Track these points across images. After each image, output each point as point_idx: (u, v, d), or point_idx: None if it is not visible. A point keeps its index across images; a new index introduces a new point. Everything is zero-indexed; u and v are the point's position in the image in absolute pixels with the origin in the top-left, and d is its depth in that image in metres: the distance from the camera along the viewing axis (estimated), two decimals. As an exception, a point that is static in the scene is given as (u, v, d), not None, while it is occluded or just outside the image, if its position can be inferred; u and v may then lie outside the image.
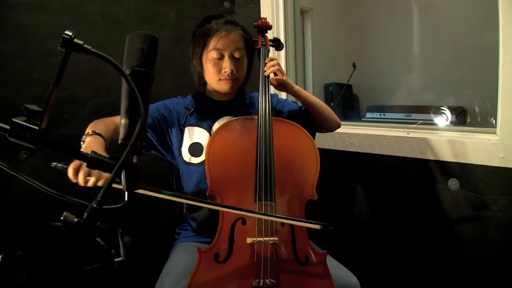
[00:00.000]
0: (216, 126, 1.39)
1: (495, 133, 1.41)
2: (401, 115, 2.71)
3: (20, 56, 1.57)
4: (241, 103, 1.46)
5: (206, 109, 1.44)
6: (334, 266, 1.28)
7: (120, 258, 1.85)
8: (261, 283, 1.10)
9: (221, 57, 1.32)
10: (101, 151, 1.06)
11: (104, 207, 0.73)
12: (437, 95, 2.79)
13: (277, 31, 2.06)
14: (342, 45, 3.40)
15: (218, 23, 1.33)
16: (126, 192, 0.80)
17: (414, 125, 1.72)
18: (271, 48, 1.53)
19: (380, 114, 2.87)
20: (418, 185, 1.61)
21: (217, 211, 1.22)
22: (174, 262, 1.33)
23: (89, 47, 0.75)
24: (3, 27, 1.54)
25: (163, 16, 1.93)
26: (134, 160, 0.79)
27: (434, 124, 2.12)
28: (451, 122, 2.17)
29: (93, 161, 0.78)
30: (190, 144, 1.39)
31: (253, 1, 2.08)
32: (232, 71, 1.33)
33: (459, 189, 1.48)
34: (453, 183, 1.49)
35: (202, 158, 1.36)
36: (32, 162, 1.62)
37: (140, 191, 0.94)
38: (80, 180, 0.95)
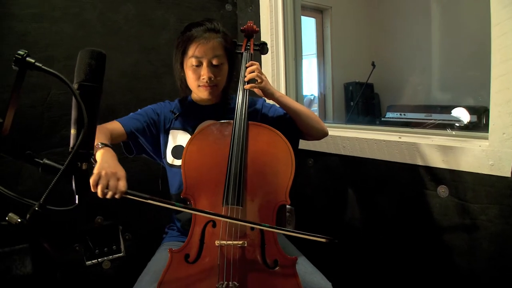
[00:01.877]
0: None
1: (487, 138, 1.39)
2: (421, 115, 2.69)
3: (23, 63, 1.73)
4: (224, 107, 1.54)
5: (190, 113, 1.53)
6: (309, 272, 1.34)
7: (121, 254, 2.00)
8: (224, 285, 1.16)
9: (199, 64, 1.41)
10: (115, 160, 1.17)
11: (49, 207, 0.83)
12: (458, 94, 2.73)
13: (276, 33, 2.11)
14: (363, 43, 3.41)
15: (198, 31, 1.41)
16: (77, 196, 0.90)
17: (406, 129, 1.71)
18: (256, 52, 1.58)
19: (400, 114, 2.85)
20: (407, 191, 1.61)
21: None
22: (156, 260, 1.43)
23: (40, 65, 0.84)
24: (9, 36, 1.70)
25: (163, 21, 2.04)
26: (84, 167, 0.89)
27: (453, 125, 2.07)
28: (470, 122, 2.11)
29: (45, 167, 0.88)
30: (174, 147, 1.49)
31: (253, 4, 2.14)
32: (210, 78, 1.40)
33: (448, 197, 1.48)
34: (442, 190, 1.49)
35: (183, 160, 1.45)
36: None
37: (130, 196, 1.09)
38: (99, 192, 1.06)
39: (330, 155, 1.88)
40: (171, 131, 1.51)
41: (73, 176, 0.88)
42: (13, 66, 0.85)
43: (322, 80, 3.36)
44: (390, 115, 2.87)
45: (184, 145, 1.45)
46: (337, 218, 1.90)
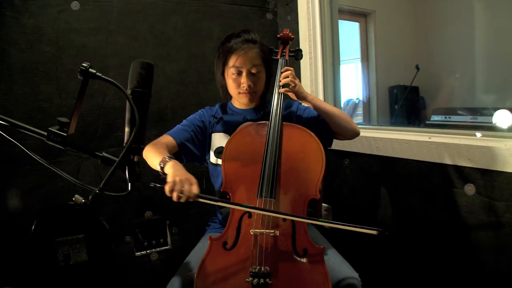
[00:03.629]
0: (237, 131, 1.66)
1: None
2: (467, 118, 2.72)
3: (84, 72, 2.00)
4: (262, 110, 1.70)
5: (230, 117, 1.71)
6: (337, 262, 1.47)
7: (167, 247, 2.22)
8: (257, 269, 1.32)
9: (239, 74, 1.57)
10: (184, 169, 1.33)
11: (106, 193, 1.04)
12: (503, 96, 2.74)
13: (314, 39, 2.26)
14: (407, 46, 3.45)
15: (237, 42, 1.58)
16: (129, 183, 1.11)
17: (435, 129, 1.81)
18: (292, 58, 1.75)
19: (445, 117, 2.89)
20: (436, 189, 1.71)
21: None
22: (198, 248, 1.62)
23: (100, 74, 1.06)
24: (70, 48, 1.98)
25: (208, 31, 2.26)
26: (135, 159, 1.10)
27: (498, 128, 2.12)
28: None
29: (104, 159, 1.10)
30: (216, 148, 1.67)
31: (293, 12, 2.31)
32: (249, 86, 1.57)
33: (475, 195, 1.56)
34: (469, 189, 1.58)
35: (225, 160, 1.64)
36: (92, 160, 2.03)
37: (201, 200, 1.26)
38: (174, 197, 1.23)
39: (364, 155, 2.01)
40: (213, 134, 1.69)
41: (127, 167, 1.10)
42: (78, 76, 1.06)
43: (366, 84, 3.45)
44: (435, 118, 2.92)
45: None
46: (370, 215, 2.02)
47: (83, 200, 1.01)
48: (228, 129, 1.69)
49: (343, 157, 2.11)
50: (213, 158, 1.68)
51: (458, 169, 1.62)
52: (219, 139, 1.69)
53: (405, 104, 3.24)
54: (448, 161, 1.65)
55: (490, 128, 1.89)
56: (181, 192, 1.23)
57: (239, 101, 1.67)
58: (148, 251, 2.16)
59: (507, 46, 2.67)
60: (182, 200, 1.24)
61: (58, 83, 1.94)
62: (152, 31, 2.14)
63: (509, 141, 1.48)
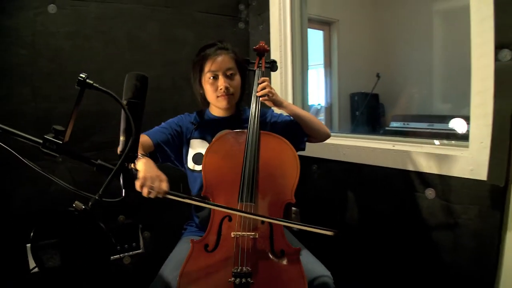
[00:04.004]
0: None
1: (467, 147, 1.64)
2: (424, 125, 2.92)
3: (59, 76, 2.01)
4: (238, 118, 1.79)
5: (208, 124, 1.79)
6: (311, 262, 1.58)
7: (140, 251, 2.27)
8: (239, 270, 1.41)
9: (216, 77, 1.67)
10: (156, 167, 1.41)
11: (104, 199, 1.09)
12: (458, 104, 2.96)
13: (285, 49, 2.38)
14: (368, 55, 3.66)
15: (211, 50, 1.68)
16: (124, 190, 1.17)
17: (399, 138, 1.98)
18: (267, 69, 1.85)
19: (404, 124, 3.09)
20: (399, 193, 1.87)
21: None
22: (177, 251, 1.69)
23: (97, 85, 1.11)
24: (46, 52, 1.98)
25: (183, 38, 2.32)
26: (130, 167, 1.17)
27: (455, 134, 2.26)
28: (468, 131, 2.32)
29: (100, 167, 1.15)
30: (194, 154, 1.75)
31: (264, 22, 2.42)
32: (226, 88, 1.67)
33: (435, 198, 1.73)
34: (430, 193, 1.74)
35: (202, 165, 1.72)
36: (67, 165, 2.05)
37: (170, 196, 1.32)
38: (145, 192, 1.29)
39: (332, 161, 2.15)
40: (191, 140, 1.77)
41: (121, 174, 1.16)
42: (76, 86, 1.11)
43: (328, 90, 3.61)
44: (394, 124, 3.11)
45: (203, 152, 1.71)
46: (336, 218, 2.16)
47: (83, 206, 1.06)
48: (206, 135, 1.77)
49: (311, 163, 2.23)
50: (190, 164, 1.75)
51: (419, 175, 1.78)
52: (197, 145, 1.76)
53: (366, 110, 3.44)
54: (410, 167, 1.81)
55: (447, 135, 2.07)
56: (151, 188, 1.30)
57: (218, 105, 1.75)
58: (121, 255, 2.19)
59: (462, 57, 2.88)
60: (152, 196, 1.30)
61: (33, 86, 1.95)
62: (128, 37, 2.18)
63: (465, 150, 1.64)
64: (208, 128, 1.78)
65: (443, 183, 1.70)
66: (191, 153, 1.76)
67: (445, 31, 3.12)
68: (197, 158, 1.74)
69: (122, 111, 1.16)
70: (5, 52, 1.89)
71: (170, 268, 1.56)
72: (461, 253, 1.67)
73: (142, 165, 1.38)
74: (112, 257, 2.17)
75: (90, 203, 1.06)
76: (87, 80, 1.10)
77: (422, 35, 3.27)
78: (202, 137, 1.77)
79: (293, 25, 2.35)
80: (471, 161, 1.60)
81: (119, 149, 1.16)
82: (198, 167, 1.73)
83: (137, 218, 2.25)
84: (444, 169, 1.69)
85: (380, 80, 3.27)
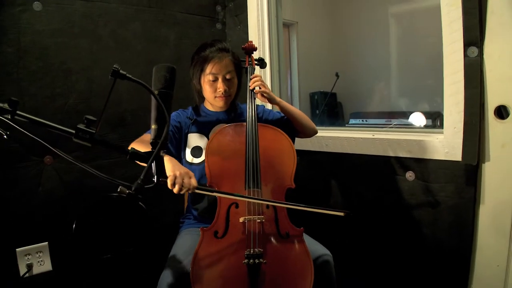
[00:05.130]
0: (212, 132, 1.83)
1: (442, 132, 1.86)
2: (382, 121, 3.14)
3: (45, 75, 2.00)
4: (233, 113, 1.90)
5: (204, 119, 1.87)
6: (311, 243, 1.70)
7: (131, 249, 2.28)
8: (251, 251, 1.50)
9: (215, 79, 1.76)
10: (179, 163, 1.48)
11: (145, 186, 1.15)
12: (415, 100, 3.24)
13: (263, 49, 2.51)
14: (327, 55, 3.85)
15: (212, 51, 1.76)
16: (156, 176, 1.23)
17: (378, 128, 2.18)
18: (257, 67, 1.97)
19: (362, 120, 3.28)
20: (381, 178, 2.06)
21: (215, 201, 1.63)
22: (180, 243, 1.74)
23: (130, 76, 1.17)
24: (32, 50, 1.97)
25: (165, 38, 2.38)
26: (161, 154, 1.24)
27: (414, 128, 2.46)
28: (426, 126, 2.50)
29: (133, 155, 1.21)
30: (192, 148, 1.82)
31: (242, 23, 2.54)
32: (225, 90, 1.77)
33: (415, 180, 1.93)
34: (410, 175, 1.94)
35: (201, 158, 1.79)
36: (54, 165, 2.04)
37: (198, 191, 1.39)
38: (176, 189, 1.36)
39: (315, 152, 2.31)
40: (189, 135, 1.84)
41: (155, 161, 1.23)
42: (109, 77, 1.17)
43: (289, 89, 3.77)
44: (352, 121, 3.30)
45: (202, 146, 1.81)
46: (322, 206, 2.31)
47: (127, 191, 1.12)
48: (203, 130, 1.85)
49: (294, 155, 2.37)
50: (189, 157, 1.82)
51: (399, 159, 1.98)
52: (195, 139, 1.84)
53: (325, 109, 3.63)
54: (391, 153, 2.00)
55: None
56: (182, 184, 1.38)
57: (215, 105, 1.84)
58: (111, 255, 2.19)
59: (416, 57, 3.16)
60: (183, 192, 1.38)
61: (20, 85, 1.92)
62: (113, 36, 2.20)
63: (440, 135, 1.85)
64: (204, 122, 1.87)
65: (422, 165, 1.91)
66: (189, 146, 1.83)
67: (400, 32, 3.39)
68: (196, 152, 1.82)
69: (153, 101, 1.23)
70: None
71: (177, 260, 1.61)
72: (440, 227, 1.87)
73: (169, 163, 1.46)
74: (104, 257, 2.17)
75: (133, 187, 1.12)
76: (121, 71, 1.16)
77: (379, 36, 3.51)
78: (200, 131, 1.85)
79: (271, 26, 2.49)
80: (446, 144, 1.81)
81: (152, 136, 1.22)
82: (196, 160, 1.81)
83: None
84: (422, 153, 1.90)
85: (338, 79, 3.46)
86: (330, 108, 3.68)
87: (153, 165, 1.22)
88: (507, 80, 1.64)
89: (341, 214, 1.51)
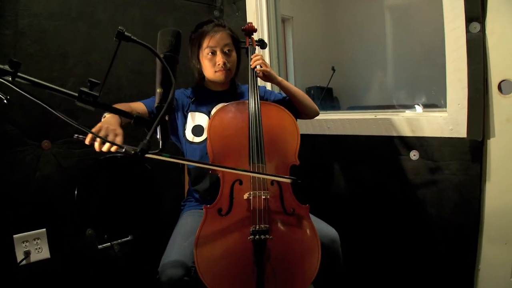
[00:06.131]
0: (214, 111, 1.79)
1: (445, 111, 1.84)
2: (379, 115, 3.15)
3: (43, 58, 1.97)
4: (234, 92, 1.87)
5: (205, 98, 1.84)
6: (317, 221, 1.67)
7: (129, 238, 2.23)
8: (257, 228, 1.46)
9: (214, 53, 1.74)
10: (117, 123, 1.36)
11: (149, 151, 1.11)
12: (411, 93, 3.22)
13: (262, 34, 2.49)
14: (322, 50, 3.85)
15: (208, 27, 1.75)
16: (161, 142, 1.19)
17: (381, 110, 2.16)
18: (257, 47, 1.95)
19: (359, 114, 3.30)
20: (385, 158, 2.03)
21: (217, 181, 1.60)
22: (183, 224, 1.70)
23: (135, 38, 1.14)
24: (30, 33, 1.93)
25: (163, 24, 2.36)
26: (166, 118, 1.20)
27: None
28: None
29: (137, 119, 1.17)
30: (193, 126, 1.78)
31: (240, 10, 2.53)
32: (224, 63, 1.74)
33: (419, 159, 1.90)
34: (414, 154, 1.92)
35: (203, 137, 1.76)
36: (53, 150, 1.99)
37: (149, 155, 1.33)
38: (96, 146, 1.22)
39: (316, 136, 2.28)
40: (189, 114, 1.80)
41: (159, 126, 1.19)
42: (114, 39, 1.13)
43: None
44: (350, 116, 3.32)
45: (203, 124, 1.77)
46: (324, 189, 2.28)
47: (133, 151, 1.08)
48: (204, 108, 1.82)
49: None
50: (189, 136, 1.78)
51: (402, 139, 1.95)
52: (195, 118, 1.81)
53: (322, 103, 3.61)
54: (394, 133, 1.98)
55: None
56: (103, 142, 1.23)
57: (215, 80, 1.80)
58: (111, 243, 2.14)
59: (412, 49, 3.16)
60: (104, 149, 1.23)
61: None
62: (111, 21, 2.18)
63: (443, 112, 1.84)
64: (205, 101, 1.83)
65: (426, 144, 1.88)
66: (189, 126, 1.79)
67: (396, 25, 3.40)
68: (197, 130, 1.78)
69: (158, 65, 1.20)
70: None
71: (180, 240, 1.57)
72: (446, 206, 1.84)
73: (104, 119, 1.38)
74: (101, 246, 2.11)
75: (139, 147, 1.08)
76: (125, 33, 1.13)
77: (374, 30, 3.51)
78: (200, 110, 1.82)
79: (269, 11, 2.48)
80: (450, 121, 1.79)
81: (156, 100, 1.19)
82: (198, 139, 1.77)
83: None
84: (426, 131, 1.88)
85: (335, 73, 3.45)
86: (326, 103, 3.67)
87: (158, 130, 1.19)
88: (510, 55, 1.63)
89: (288, 181, 1.52)
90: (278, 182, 1.59)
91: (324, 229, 1.63)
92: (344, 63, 3.63)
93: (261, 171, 1.56)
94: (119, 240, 2.17)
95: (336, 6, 3.91)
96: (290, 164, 1.65)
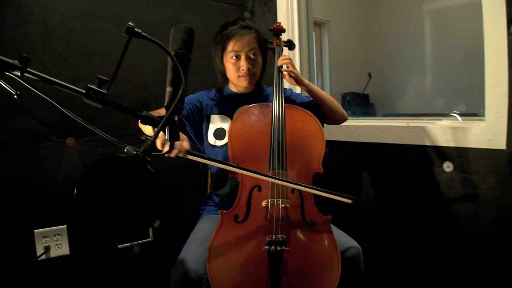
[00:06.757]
0: (237, 113, 1.72)
1: (483, 120, 1.69)
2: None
3: (70, 56, 1.96)
4: (258, 95, 1.79)
5: (228, 100, 1.77)
6: (339, 233, 1.56)
7: (149, 239, 2.19)
8: (273, 238, 1.38)
9: (238, 58, 1.66)
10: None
11: (153, 153, 1.05)
12: (451, 101, 3.06)
13: (292, 36, 2.40)
14: (359, 55, 3.74)
15: (234, 29, 1.67)
16: (169, 143, 1.13)
17: (413, 117, 2.02)
18: (285, 49, 1.87)
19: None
20: (416, 168, 1.89)
21: (237, 186, 1.52)
22: (199, 229, 1.64)
23: (145, 34, 1.08)
24: (58, 31, 1.93)
25: (192, 25, 2.30)
26: (175, 118, 1.13)
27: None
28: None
29: (145, 118, 1.11)
30: (215, 129, 1.72)
31: (271, 12, 2.45)
32: (248, 69, 1.66)
33: (453, 171, 1.76)
34: (448, 166, 1.77)
35: (225, 140, 1.68)
36: (77, 148, 1.98)
37: (190, 156, 1.30)
38: (165, 149, 1.25)
39: (344, 143, 2.17)
40: (212, 116, 1.74)
41: (168, 126, 1.12)
42: (124, 35, 1.08)
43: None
44: (386, 123, 3.18)
45: (225, 127, 1.70)
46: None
47: (135, 152, 1.02)
48: (227, 111, 1.75)
49: (323, 146, 2.24)
50: (211, 139, 1.72)
51: (436, 149, 1.81)
52: (218, 121, 1.74)
53: (357, 110, 3.48)
54: (426, 142, 1.84)
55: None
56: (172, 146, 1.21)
57: (239, 85, 1.74)
58: (131, 243, 2.11)
59: (452, 56, 2.99)
60: (173, 154, 1.27)
61: (44, 66, 1.88)
62: (138, 21, 2.13)
63: (481, 122, 1.69)
64: (228, 103, 1.76)
65: (461, 155, 1.74)
66: (211, 128, 1.73)
67: (435, 29, 3.23)
68: (219, 133, 1.71)
69: (169, 63, 1.14)
70: (17, 31, 1.82)
71: (194, 246, 1.50)
72: (481, 223, 1.70)
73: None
74: (121, 246, 2.09)
75: (142, 148, 1.02)
76: (136, 29, 1.07)
77: (413, 34, 3.37)
78: (223, 113, 1.75)
79: (300, 13, 2.39)
80: (488, 131, 1.65)
81: (166, 99, 1.13)
82: (220, 142, 1.70)
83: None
84: (461, 142, 1.73)
85: (371, 79, 3.33)
86: (362, 110, 3.54)
87: (167, 130, 1.12)
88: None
89: (348, 201, 1.41)
90: (299, 190, 1.49)
91: (346, 242, 1.52)
92: (381, 69, 3.50)
93: (280, 178, 1.47)
94: (140, 241, 2.14)
95: (373, 10, 3.78)
96: (314, 172, 1.55)
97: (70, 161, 1.95)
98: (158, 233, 2.21)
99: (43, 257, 1.89)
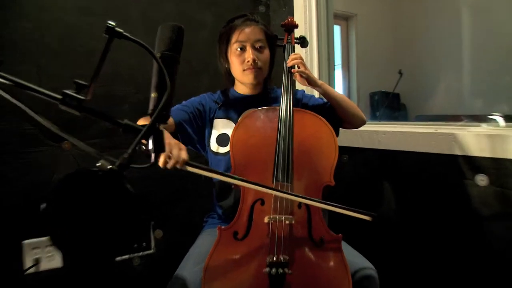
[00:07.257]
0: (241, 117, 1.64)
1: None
2: (452, 126, 2.84)
3: (68, 54, 1.92)
4: (266, 97, 1.70)
5: (233, 103, 1.69)
6: (351, 254, 1.46)
7: (151, 251, 2.14)
8: (275, 259, 1.29)
9: (243, 49, 1.59)
10: (172, 137, 1.33)
11: (132, 165, 0.98)
12: (491, 101, 2.88)
13: (310, 33, 2.31)
14: (389, 51, 3.59)
15: (239, 21, 1.62)
16: (153, 154, 1.06)
17: (441, 122, 1.88)
18: (297, 46, 1.77)
19: (428, 125, 3.00)
20: (444, 181, 1.76)
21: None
22: (199, 244, 1.57)
23: (127, 34, 1.01)
24: (55, 28, 1.89)
25: (201, 21, 2.26)
26: (160, 127, 1.06)
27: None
28: None
29: (126, 127, 1.05)
30: (218, 135, 1.65)
31: (287, 5, 2.36)
32: (254, 60, 1.58)
33: (488, 185, 1.62)
34: (481, 179, 1.64)
35: (228, 148, 1.59)
36: (72, 151, 1.94)
37: (189, 168, 1.22)
38: (161, 160, 1.17)
39: (365, 150, 2.05)
40: (215, 120, 1.67)
41: (152, 136, 1.06)
42: (103, 34, 1.01)
43: (346, 90, 3.53)
44: (418, 125, 3.03)
45: (229, 133, 1.62)
46: (372, 211, 2.05)
47: (109, 166, 0.95)
48: (231, 115, 1.68)
49: (341, 152, 2.10)
50: (214, 146, 1.65)
51: (468, 159, 1.68)
52: (221, 126, 1.67)
53: (387, 111, 3.34)
54: (457, 151, 1.70)
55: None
56: (169, 157, 1.19)
57: (244, 80, 1.66)
58: (130, 255, 2.06)
59: (493, 52, 2.82)
60: (169, 166, 1.19)
61: (39, 65, 1.85)
62: (143, 17, 2.10)
63: (522, 128, 1.55)
64: (233, 107, 1.69)
65: (498, 167, 1.59)
66: (214, 134, 1.66)
67: (474, 23, 3.05)
68: (222, 139, 1.64)
69: (154, 66, 1.07)
70: (7, 26, 1.80)
71: (191, 263, 1.44)
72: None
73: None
74: (119, 258, 2.04)
75: (118, 162, 0.95)
76: (116, 29, 1.00)
77: (449, 29, 3.19)
78: (227, 117, 1.67)
79: (319, 8, 2.29)
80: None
81: (150, 107, 1.06)
82: (223, 149, 1.63)
83: (149, 214, 2.14)
84: (499, 151, 1.58)
85: (402, 77, 3.19)
86: (392, 110, 3.40)
87: (151, 141, 1.06)
88: None
89: (368, 218, 1.31)
90: (307, 204, 1.40)
91: (359, 263, 1.42)
92: (413, 66, 3.34)
93: (285, 191, 1.38)
94: (140, 253, 2.10)
95: (405, 1, 3.62)
96: (324, 185, 1.45)
97: (65, 165, 1.92)
98: (160, 244, 2.16)
99: (32, 270, 1.84)
